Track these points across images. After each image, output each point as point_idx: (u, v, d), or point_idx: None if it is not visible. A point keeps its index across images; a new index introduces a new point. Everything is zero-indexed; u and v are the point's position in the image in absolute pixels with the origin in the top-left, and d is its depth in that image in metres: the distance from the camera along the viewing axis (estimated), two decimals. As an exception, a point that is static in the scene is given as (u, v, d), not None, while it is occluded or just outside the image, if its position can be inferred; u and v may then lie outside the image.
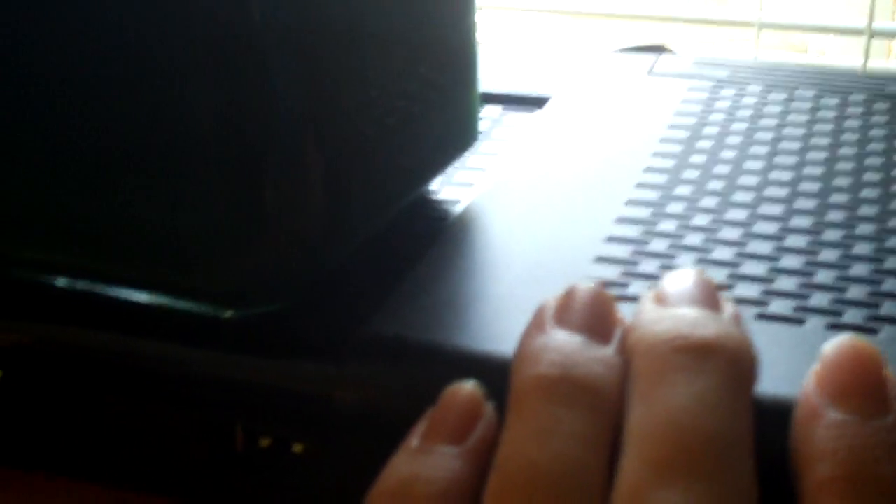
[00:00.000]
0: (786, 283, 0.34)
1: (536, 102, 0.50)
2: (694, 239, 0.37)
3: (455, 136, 0.40)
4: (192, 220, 0.31)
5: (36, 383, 0.35)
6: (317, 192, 0.32)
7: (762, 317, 0.33)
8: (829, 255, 0.36)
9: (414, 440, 0.29)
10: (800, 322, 0.33)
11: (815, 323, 0.32)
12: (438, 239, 0.37)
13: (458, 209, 0.40)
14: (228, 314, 0.33)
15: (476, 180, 0.42)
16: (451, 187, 0.42)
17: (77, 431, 0.35)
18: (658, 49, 0.67)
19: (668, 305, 0.29)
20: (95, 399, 0.34)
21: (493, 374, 0.30)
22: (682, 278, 0.30)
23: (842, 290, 0.34)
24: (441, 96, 0.38)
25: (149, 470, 0.35)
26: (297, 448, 0.33)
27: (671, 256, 0.36)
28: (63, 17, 0.30)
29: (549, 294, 0.31)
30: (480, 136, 0.42)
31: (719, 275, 0.35)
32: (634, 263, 0.36)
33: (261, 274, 0.32)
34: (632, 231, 0.38)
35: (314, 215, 0.32)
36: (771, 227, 0.38)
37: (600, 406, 0.27)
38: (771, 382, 0.29)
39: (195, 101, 0.30)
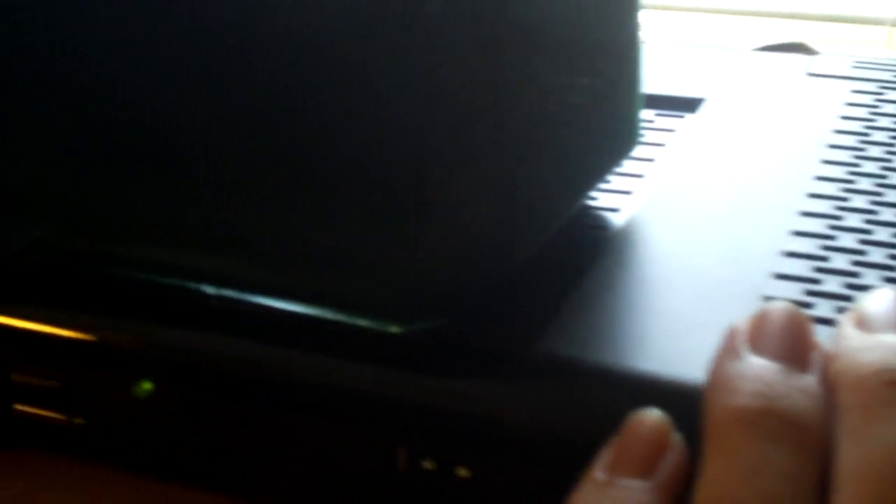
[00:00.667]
0: None
1: (688, 104, 0.48)
2: (877, 255, 0.35)
3: (619, 139, 0.38)
4: (360, 230, 0.30)
5: (191, 397, 0.34)
6: (489, 200, 0.31)
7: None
8: None
9: (598, 472, 0.27)
10: None
11: None
12: (602, 251, 0.36)
13: (618, 219, 0.38)
14: (394, 329, 0.32)
15: (634, 187, 0.40)
16: (608, 194, 0.40)
17: (232, 446, 0.34)
18: (799, 48, 0.64)
19: (872, 331, 0.27)
20: (253, 413, 0.33)
21: (678, 400, 0.28)
22: (883, 300, 0.28)
23: None
24: (607, 97, 0.36)
25: (307, 486, 0.34)
26: (462, 472, 0.31)
27: (856, 274, 0.34)
28: (236, 33, 0.29)
29: (728, 313, 0.29)
30: (634, 141, 0.40)
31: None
32: (817, 281, 0.34)
33: (429, 286, 0.31)
34: (809, 245, 0.35)
35: (485, 224, 0.31)
36: (960, 243, 0.35)
37: (807, 442, 0.25)
38: None
39: (362, 110, 0.29)
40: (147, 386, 0.35)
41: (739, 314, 0.28)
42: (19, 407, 0.37)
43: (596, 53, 0.35)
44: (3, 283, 0.37)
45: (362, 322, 0.32)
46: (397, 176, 0.30)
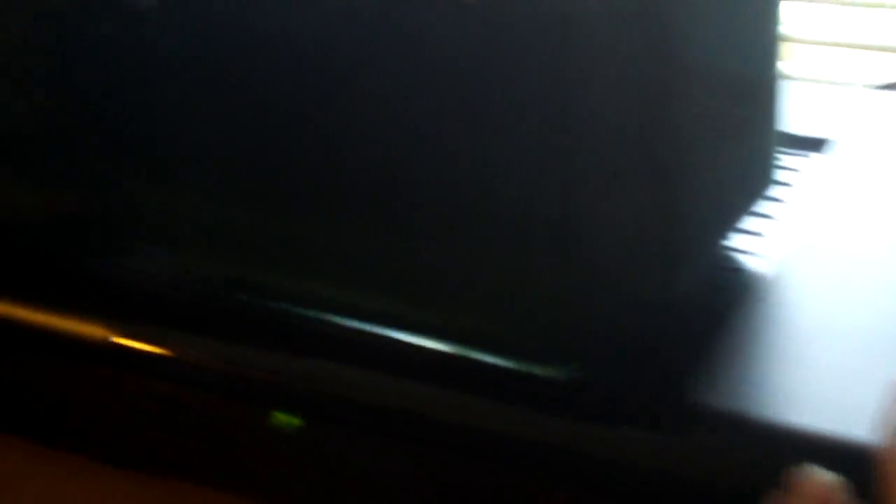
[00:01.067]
0: None
1: (813, 144, 0.46)
2: None
3: (758, 177, 0.37)
4: (519, 272, 0.29)
5: (344, 435, 0.33)
6: (646, 243, 0.29)
7: None
8: None
9: None
10: None
11: None
12: (744, 296, 0.34)
13: (754, 262, 0.37)
14: (552, 373, 0.31)
15: (764, 229, 0.39)
16: (739, 234, 0.38)
17: (379, 486, 0.33)
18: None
19: None
20: (406, 454, 0.32)
21: (846, 459, 0.27)
22: None
23: None
24: (751, 133, 0.35)
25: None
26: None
27: None
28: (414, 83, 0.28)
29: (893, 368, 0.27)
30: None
31: None
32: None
33: (590, 332, 0.30)
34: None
35: (643, 265, 0.30)
36: None
37: None
38: None
39: (525, 147, 0.28)
40: (294, 421, 0.34)
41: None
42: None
43: (744, 87, 0.34)
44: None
45: (517, 365, 0.31)
46: (555, 217, 0.29)
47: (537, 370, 0.31)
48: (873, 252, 0.36)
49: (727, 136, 0.33)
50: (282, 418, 0.34)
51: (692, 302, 0.33)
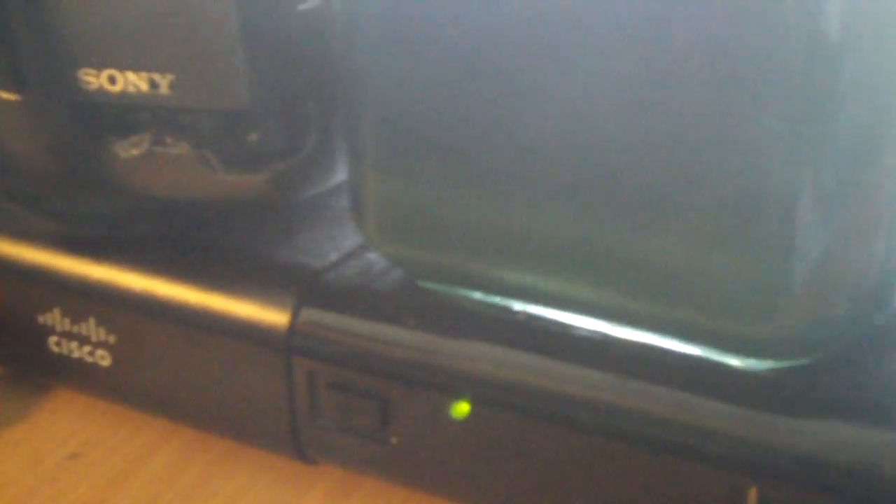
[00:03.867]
0: None
1: None
2: None
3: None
4: (735, 261, 0.29)
5: (515, 419, 0.33)
6: (874, 230, 0.29)
7: None
8: None
9: None
10: None
11: None
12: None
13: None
14: (758, 366, 0.30)
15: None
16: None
17: (550, 476, 0.33)
18: None
19: None
20: (585, 444, 0.32)
21: None
22: None
23: None
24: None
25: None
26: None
27: None
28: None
29: None
30: None
31: None
32: None
33: (802, 323, 0.29)
34: None
35: (870, 259, 0.29)
36: None
37: None
38: None
39: (751, 136, 0.27)
40: (464, 407, 0.34)
41: None
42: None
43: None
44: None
45: (722, 356, 0.31)
46: (772, 206, 0.28)
47: (747, 364, 0.30)
48: None
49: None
50: (460, 408, 0.34)
51: None
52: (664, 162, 0.28)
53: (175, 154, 0.35)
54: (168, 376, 0.40)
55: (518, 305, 0.34)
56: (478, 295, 0.35)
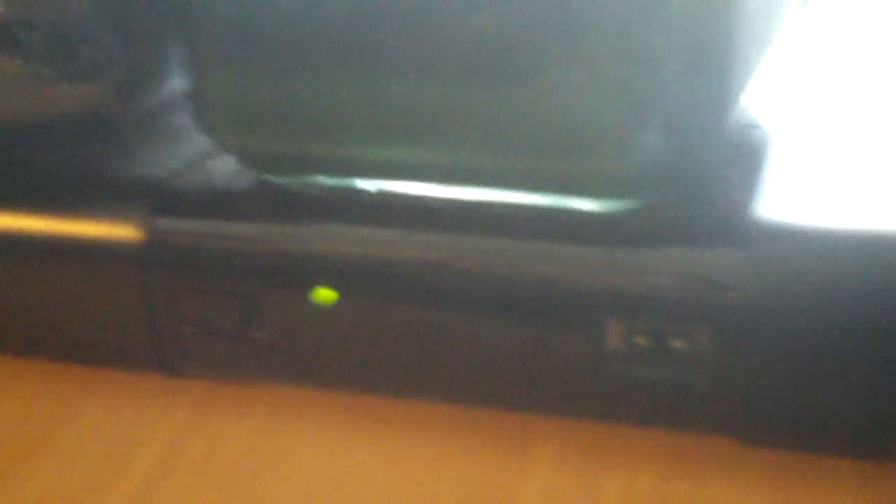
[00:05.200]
0: None
1: None
2: None
3: (777, 22, 0.38)
4: (574, 107, 0.30)
5: (384, 299, 0.34)
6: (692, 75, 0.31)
7: None
8: None
9: None
10: None
11: None
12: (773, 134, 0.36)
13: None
14: (604, 207, 0.32)
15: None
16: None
17: (427, 346, 0.34)
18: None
19: None
20: (451, 309, 0.33)
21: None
22: None
23: None
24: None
25: (515, 381, 0.34)
26: (678, 343, 0.32)
27: None
28: None
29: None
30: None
31: None
32: None
33: (646, 162, 0.31)
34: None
35: (694, 98, 0.31)
36: None
37: None
38: None
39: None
40: (328, 293, 0.35)
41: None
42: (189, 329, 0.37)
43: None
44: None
45: (573, 202, 0.32)
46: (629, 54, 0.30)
47: (596, 206, 0.32)
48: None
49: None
50: (322, 294, 0.35)
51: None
52: (493, 23, 0.30)
53: (10, 72, 0.35)
54: (21, 309, 0.39)
55: (368, 184, 0.35)
56: (326, 181, 0.35)
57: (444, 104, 0.31)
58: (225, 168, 0.37)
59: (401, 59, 0.31)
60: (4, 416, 0.39)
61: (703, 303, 0.31)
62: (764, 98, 0.39)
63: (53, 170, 0.39)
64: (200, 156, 0.38)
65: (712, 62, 0.31)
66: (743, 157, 0.34)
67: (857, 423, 0.31)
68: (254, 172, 0.37)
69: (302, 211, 0.35)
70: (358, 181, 0.35)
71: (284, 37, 0.33)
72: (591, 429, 0.35)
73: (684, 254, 0.31)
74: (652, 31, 0.29)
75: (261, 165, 0.36)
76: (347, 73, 0.32)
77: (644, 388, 0.32)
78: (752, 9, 0.32)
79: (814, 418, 0.31)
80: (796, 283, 0.30)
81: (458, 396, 0.35)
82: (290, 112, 0.33)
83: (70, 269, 0.37)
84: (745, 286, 0.30)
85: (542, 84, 0.30)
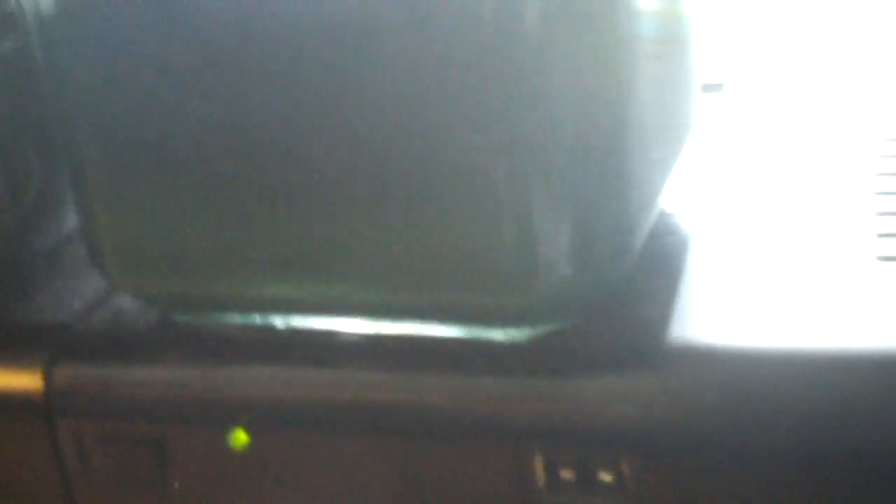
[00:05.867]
0: None
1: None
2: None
3: (685, 125, 0.37)
4: (477, 239, 0.29)
5: (294, 435, 0.32)
6: (607, 197, 0.30)
7: None
8: None
9: None
10: None
11: None
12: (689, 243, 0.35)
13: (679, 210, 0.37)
14: (516, 336, 0.31)
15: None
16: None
17: (346, 487, 0.33)
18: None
19: None
20: (367, 446, 0.32)
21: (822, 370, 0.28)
22: None
23: None
24: (683, 84, 0.36)
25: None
26: (606, 477, 0.30)
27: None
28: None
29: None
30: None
31: None
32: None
33: (549, 292, 0.30)
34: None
35: (605, 221, 0.30)
36: None
37: None
38: None
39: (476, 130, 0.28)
40: (243, 435, 0.33)
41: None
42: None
43: (675, 48, 0.35)
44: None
45: (483, 333, 0.31)
46: (518, 196, 0.29)
47: (508, 336, 0.31)
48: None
49: (672, 90, 0.34)
50: (241, 437, 0.33)
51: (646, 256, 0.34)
52: (395, 161, 0.29)
53: None
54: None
55: (278, 321, 0.34)
56: (235, 318, 0.34)
57: (342, 238, 0.30)
58: (130, 306, 0.36)
59: (290, 194, 0.30)
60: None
61: (619, 431, 0.30)
62: (681, 199, 0.38)
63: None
64: (105, 292, 0.37)
65: (612, 183, 0.30)
66: (657, 271, 0.33)
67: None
68: (159, 311, 0.35)
69: (210, 352, 0.34)
70: (266, 317, 0.34)
71: (171, 176, 0.31)
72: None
73: (595, 382, 0.30)
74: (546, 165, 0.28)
75: (163, 305, 0.35)
76: (239, 209, 0.31)
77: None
78: (649, 105, 0.31)
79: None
80: (715, 406, 0.29)
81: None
82: (185, 250, 0.32)
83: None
84: (660, 412, 0.29)
85: (436, 217, 0.29)
